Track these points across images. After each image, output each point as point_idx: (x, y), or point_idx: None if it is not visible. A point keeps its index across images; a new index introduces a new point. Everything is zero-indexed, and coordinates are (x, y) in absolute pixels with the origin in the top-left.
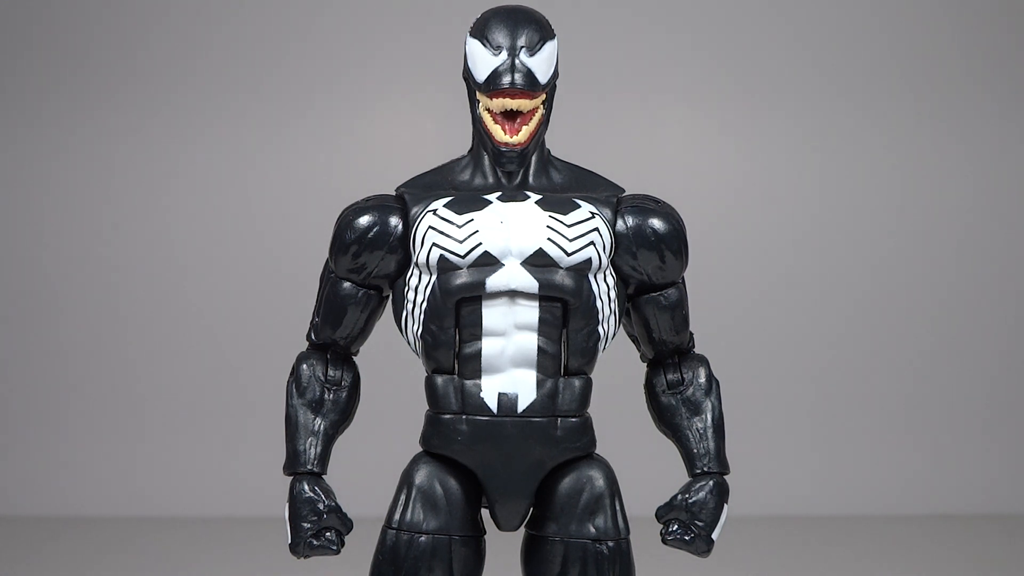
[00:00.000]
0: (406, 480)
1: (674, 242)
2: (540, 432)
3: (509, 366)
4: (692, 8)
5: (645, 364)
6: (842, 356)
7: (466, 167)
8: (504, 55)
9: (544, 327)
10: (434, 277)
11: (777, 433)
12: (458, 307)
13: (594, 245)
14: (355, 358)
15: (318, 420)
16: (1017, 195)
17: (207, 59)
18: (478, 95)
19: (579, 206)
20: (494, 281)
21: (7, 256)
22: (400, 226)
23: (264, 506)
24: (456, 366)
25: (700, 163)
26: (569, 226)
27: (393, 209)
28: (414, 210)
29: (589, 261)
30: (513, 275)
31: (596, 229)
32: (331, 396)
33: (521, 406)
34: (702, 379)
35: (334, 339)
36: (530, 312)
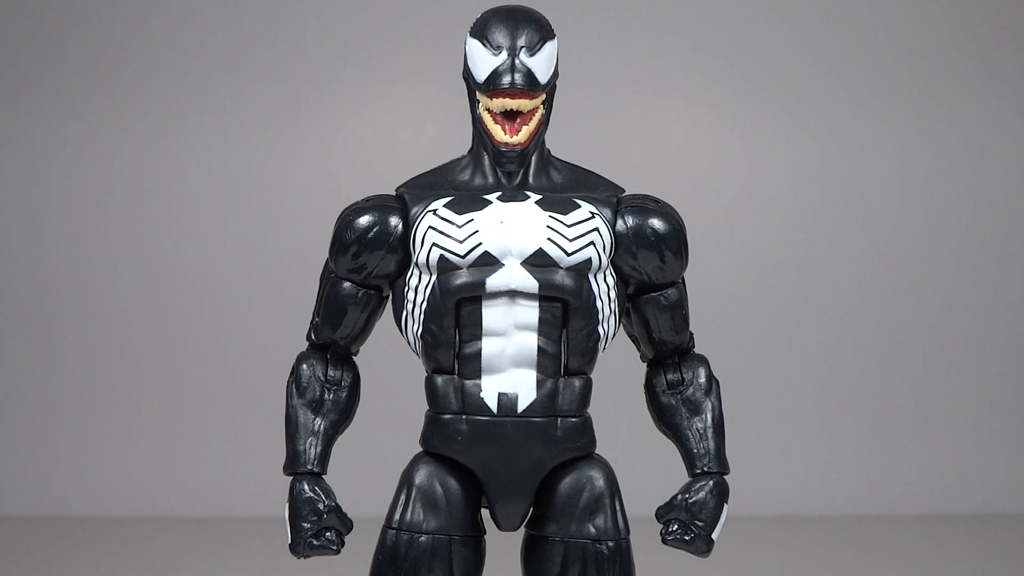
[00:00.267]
0: (406, 480)
1: (674, 242)
2: (540, 432)
3: (509, 366)
4: (692, 7)
5: (645, 364)
6: (842, 356)
7: (466, 167)
8: (504, 55)
9: (544, 327)
10: (434, 277)
11: (777, 433)
12: (458, 307)
13: (594, 245)
14: (355, 358)
15: (318, 420)
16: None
17: (207, 59)
18: (478, 95)
19: (579, 206)
20: (494, 281)
21: (6, 256)
22: (400, 226)
23: (264, 506)
24: (456, 366)
25: (701, 162)
26: (569, 226)
27: (393, 209)
28: (414, 210)
29: (589, 261)
30: (513, 275)
31: (596, 229)
32: (331, 396)
33: (521, 406)
34: (702, 379)
35: (334, 339)
36: (530, 312)
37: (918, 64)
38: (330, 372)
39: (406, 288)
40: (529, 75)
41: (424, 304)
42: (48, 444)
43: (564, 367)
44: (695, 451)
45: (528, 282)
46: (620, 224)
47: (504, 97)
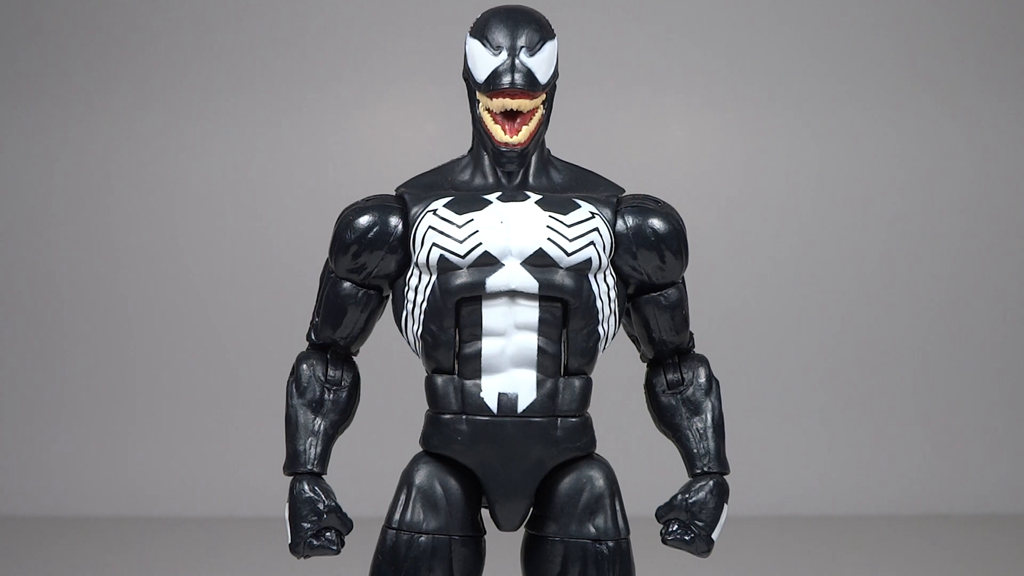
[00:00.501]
0: (406, 480)
1: (674, 242)
2: (540, 432)
3: (509, 366)
4: (692, 6)
5: (645, 364)
6: (842, 356)
7: (466, 167)
8: (504, 55)
9: (544, 327)
10: (434, 277)
11: (777, 433)
12: (458, 307)
13: (594, 245)
14: (355, 358)
15: (318, 420)
16: (1017, 188)
17: (206, 60)
18: (478, 95)
19: (579, 206)
20: (494, 281)
21: (6, 255)
22: (400, 226)
23: (264, 506)
24: (456, 366)
25: (701, 162)
26: (569, 226)
27: (393, 209)
28: (414, 210)
29: (589, 261)
30: (513, 275)
31: (596, 229)
32: (331, 396)
33: (521, 406)
34: (702, 379)
35: (334, 339)
36: (530, 312)
37: (918, 63)
38: (330, 372)
39: (406, 288)
40: (529, 75)
41: (424, 304)
42: (48, 444)
43: (564, 367)
44: (695, 451)
45: (528, 282)
46: (620, 224)
47: (504, 97)
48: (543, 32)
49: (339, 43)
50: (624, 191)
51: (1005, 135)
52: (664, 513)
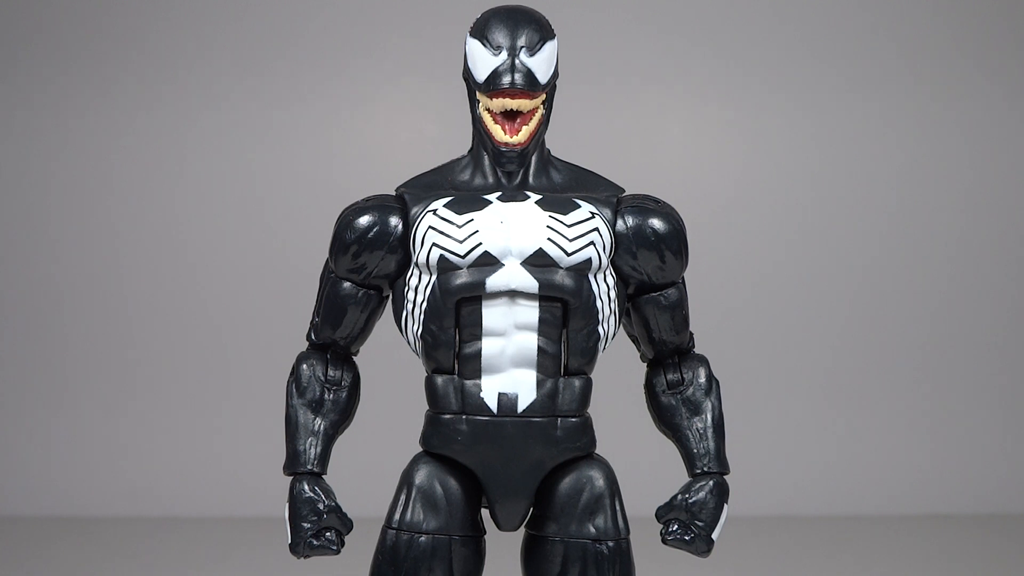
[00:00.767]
0: (406, 480)
1: (674, 242)
2: (540, 432)
3: (509, 366)
4: (692, 6)
5: (645, 364)
6: (842, 356)
7: (466, 167)
8: (504, 55)
9: (544, 327)
10: (434, 277)
11: (777, 433)
12: (458, 307)
13: (594, 245)
14: (355, 358)
15: (318, 420)
16: (1017, 179)
17: (206, 60)
18: (478, 95)
19: (579, 206)
20: (494, 281)
21: (5, 254)
22: (400, 226)
23: (264, 506)
24: (456, 366)
25: (701, 161)
26: (569, 226)
27: (393, 209)
28: (414, 210)
29: (589, 261)
30: (513, 275)
31: (596, 229)
32: (331, 396)
33: (521, 406)
34: (702, 379)
35: (334, 339)
36: (530, 312)
37: (917, 60)
38: (330, 372)
39: (406, 288)
40: (529, 75)
41: (424, 304)
42: (48, 444)
43: (564, 367)
44: (695, 451)
45: (528, 282)
46: (620, 224)
47: (504, 97)
48: (543, 32)
49: (339, 43)
50: (624, 191)
51: (1003, 128)
52: (664, 513)
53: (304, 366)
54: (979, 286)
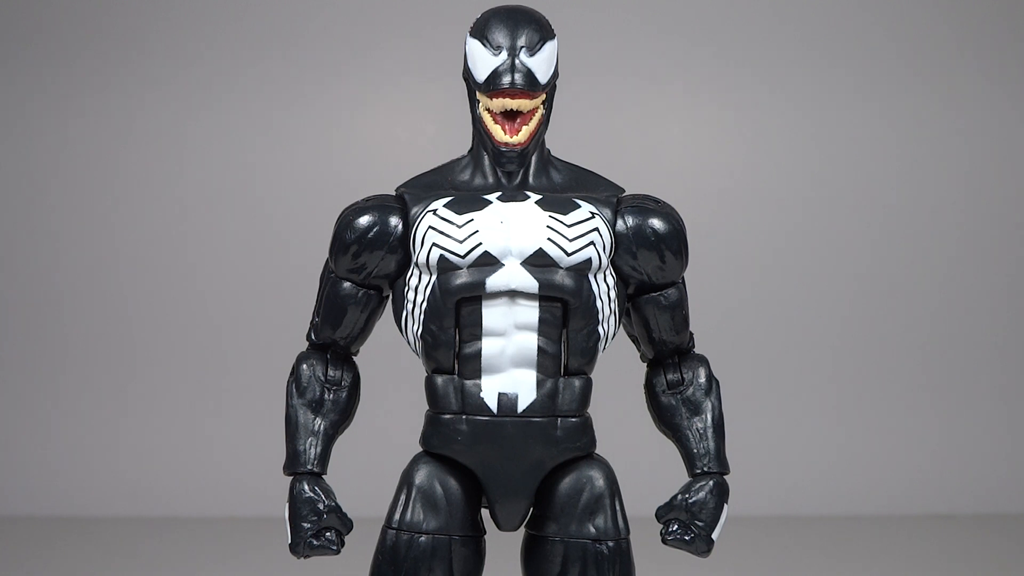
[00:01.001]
0: (406, 480)
1: (674, 242)
2: (540, 432)
3: (509, 366)
4: (691, 5)
5: (645, 364)
6: (842, 356)
7: (466, 167)
8: (504, 55)
9: (544, 327)
10: (434, 277)
11: (777, 433)
12: (458, 307)
13: (594, 245)
14: (355, 358)
15: (318, 420)
16: (1016, 176)
17: (205, 60)
18: (478, 95)
19: (579, 206)
20: (494, 281)
21: (5, 253)
22: (400, 226)
23: (264, 506)
24: (456, 366)
25: (700, 161)
26: (569, 226)
27: (393, 209)
28: (414, 210)
29: (589, 261)
30: (513, 275)
31: (596, 229)
32: (331, 396)
33: (521, 406)
34: (702, 379)
35: (334, 339)
36: (530, 312)
37: (917, 57)
38: (330, 372)
39: (406, 288)
40: (529, 75)
41: (424, 304)
42: (48, 444)
43: (564, 367)
44: (695, 451)
45: (528, 282)
46: (620, 224)
47: (504, 97)
48: (543, 32)
49: (339, 43)
50: (624, 191)
51: (1003, 126)
52: (664, 513)
53: (304, 366)
54: (979, 286)
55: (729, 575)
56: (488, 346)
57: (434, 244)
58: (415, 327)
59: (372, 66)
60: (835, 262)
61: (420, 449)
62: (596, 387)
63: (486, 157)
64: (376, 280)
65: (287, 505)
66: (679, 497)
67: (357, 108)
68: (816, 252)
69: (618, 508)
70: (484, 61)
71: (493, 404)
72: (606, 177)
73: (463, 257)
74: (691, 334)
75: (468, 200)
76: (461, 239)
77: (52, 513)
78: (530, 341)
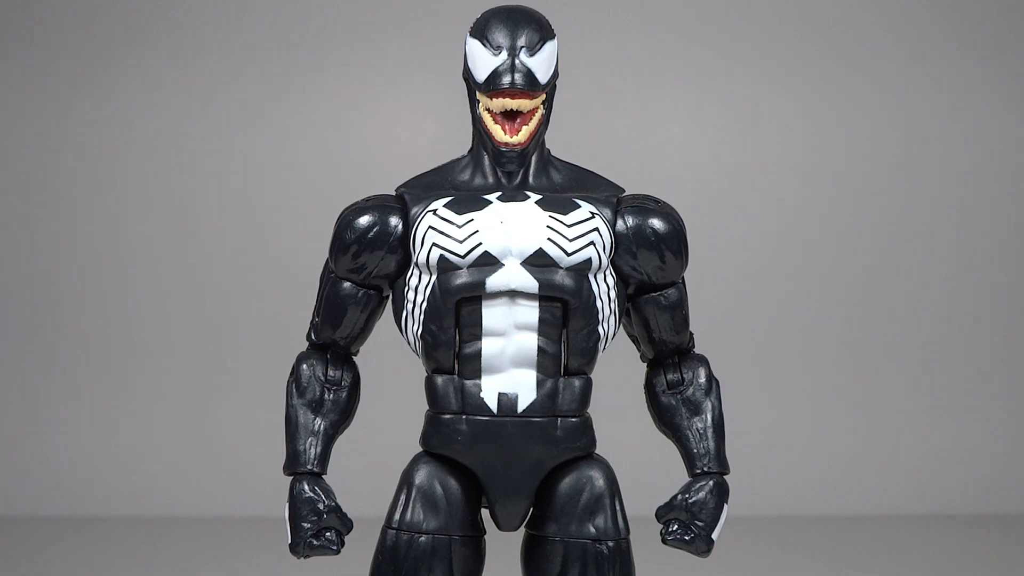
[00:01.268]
0: (406, 480)
1: (674, 242)
2: (540, 432)
3: (509, 366)
4: (691, 5)
5: (645, 364)
6: (842, 356)
7: (466, 167)
8: (504, 55)
9: (544, 327)
10: (434, 277)
11: (777, 433)
12: (458, 307)
13: (594, 245)
14: (355, 358)
15: (318, 420)
16: (1015, 169)
17: (205, 60)
18: (478, 95)
19: (579, 206)
20: (494, 281)
21: (5, 253)
22: (400, 226)
23: (264, 506)
24: (456, 366)
25: (700, 159)
26: (569, 226)
27: (393, 209)
28: (414, 210)
29: (589, 261)
30: (513, 275)
31: (596, 229)
32: (331, 396)
33: (521, 406)
34: (702, 379)
35: (334, 339)
36: (530, 312)
37: (918, 57)
38: (330, 372)
39: (406, 288)
40: (529, 75)
41: (424, 304)
42: (48, 444)
43: (564, 367)
44: (695, 451)
45: (528, 282)
46: (620, 224)
47: (504, 97)
48: (543, 32)
49: (339, 43)
50: (624, 191)
51: (1003, 119)
52: (664, 513)
53: (304, 366)
54: (979, 286)
55: (729, 575)
56: (488, 346)
57: (434, 244)
58: (415, 327)
59: (372, 66)
60: (836, 262)
61: (420, 449)
62: (596, 387)
63: (486, 157)
64: (376, 280)
65: (287, 505)
66: (679, 497)
67: (357, 108)
68: (817, 252)
69: (618, 508)
70: (484, 61)
71: (493, 404)
72: (606, 177)
73: (463, 257)
74: (691, 334)
75: (468, 200)
76: (461, 239)
77: (52, 513)
78: (530, 341)
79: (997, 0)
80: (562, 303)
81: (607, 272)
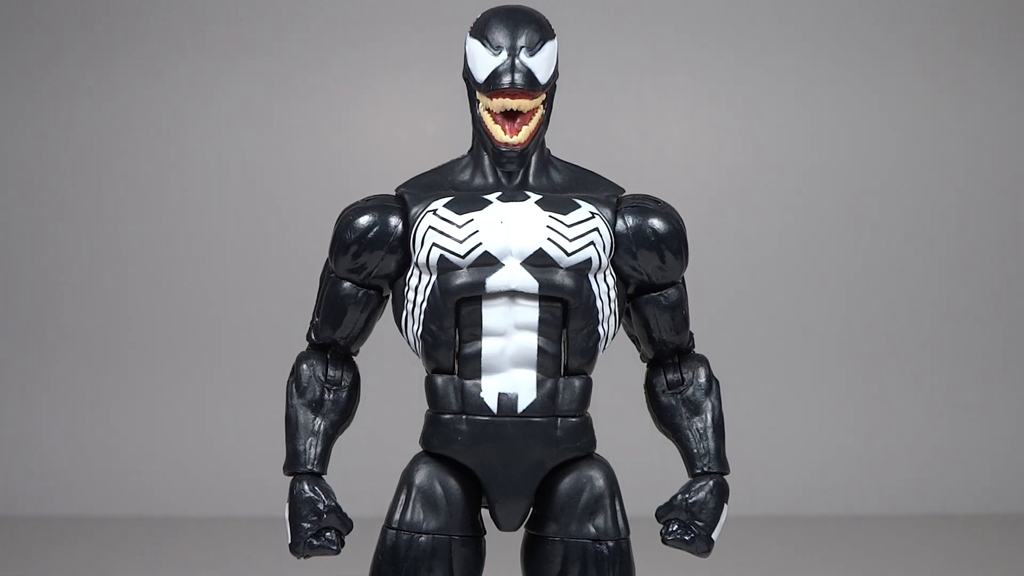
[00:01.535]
0: (406, 480)
1: (674, 242)
2: (540, 432)
3: (509, 366)
4: (690, 3)
5: (645, 364)
6: (842, 355)
7: (466, 167)
8: (504, 55)
9: (544, 327)
10: (434, 277)
11: (777, 433)
12: (458, 307)
13: (594, 245)
14: (355, 358)
15: (318, 420)
16: (1015, 169)
17: (204, 60)
18: (478, 95)
19: (579, 206)
20: (494, 281)
21: (5, 252)
22: (400, 226)
23: (264, 506)
24: (456, 366)
25: (700, 157)
26: (569, 226)
27: (393, 209)
28: (414, 210)
29: (589, 261)
30: (513, 275)
31: (596, 229)
32: (331, 396)
33: (521, 406)
34: (702, 379)
35: (334, 339)
36: (530, 312)
37: (918, 54)
38: (330, 372)
39: (406, 288)
40: (529, 75)
41: (424, 304)
42: (48, 444)
43: (564, 367)
44: (695, 451)
45: (528, 282)
46: (620, 224)
47: (504, 97)
48: (543, 32)
49: (339, 42)
50: (624, 191)
51: (1003, 118)
52: (664, 513)
53: (304, 366)
54: (979, 286)
55: (729, 575)
56: (488, 346)
57: (434, 244)
58: (415, 327)
59: (372, 65)
60: (835, 263)
61: (420, 449)
62: (596, 387)
63: (486, 157)
64: (376, 280)
65: (287, 505)
66: (679, 497)
67: (357, 108)
68: (816, 253)
69: (618, 508)
70: (484, 61)
71: (493, 404)
72: (606, 177)
73: (463, 257)
74: (691, 334)
75: (468, 200)
76: (461, 239)
77: (52, 513)
78: (530, 341)
79: (997, 0)
80: (562, 303)
81: (607, 272)
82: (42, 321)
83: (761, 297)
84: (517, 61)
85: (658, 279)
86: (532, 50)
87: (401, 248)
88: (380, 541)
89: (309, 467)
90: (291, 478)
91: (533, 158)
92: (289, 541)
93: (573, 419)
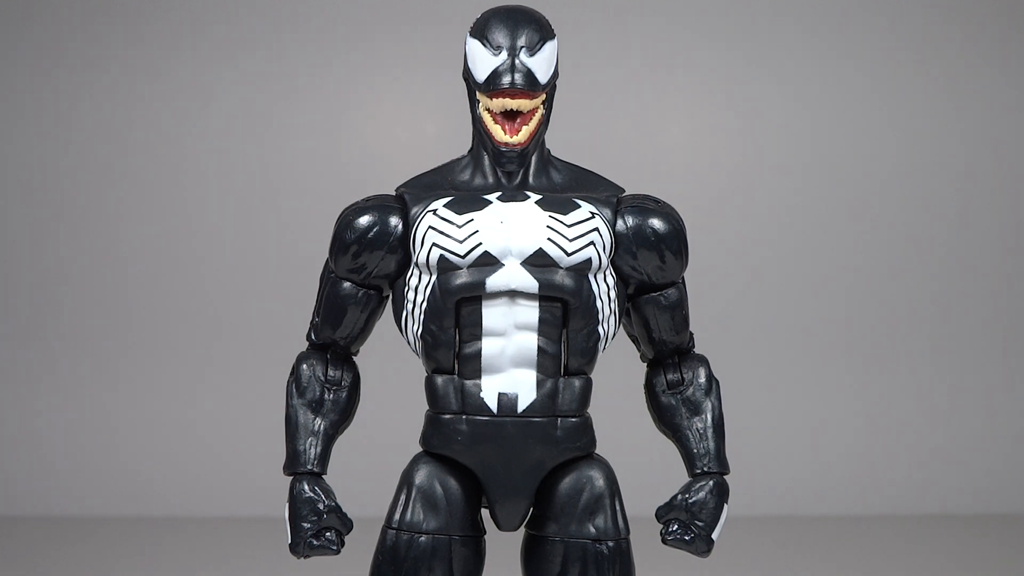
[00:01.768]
0: (406, 480)
1: (674, 242)
2: (540, 432)
3: (509, 366)
4: (691, 4)
5: (645, 364)
6: (842, 355)
7: (466, 167)
8: (504, 55)
9: (544, 327)
10: (434, 277)
11: (777, 433)
12: (458, 307)
13: (594, 245)
14: (355, 358)
15: (318, 420)
16: (1015, 169)
17: (204, 59)
18: (478, 95)
19: (579, 206)
20: (494, 281)
21: (5, 251)
22: (400, 226)
23: (264, 506)
24: (456, 366)
25: (700, 157)
26: (569, 226)
27: (393, 209)
28: (414, 210)
29: (589, 261)
30: (513, 275)
31: (596, 229)
32: (331, 396)
33: (521, 406)
34: (702, 379)
35: (334, 339)
36: (530, 312)
37: (920, 54)
38: (330, 372)
39: (406, 288)
40: (529, 75)
41: (424, 304)
42: (48, 444)
43: (564, 367)
44: (695, 451)
45: (528, 282)
46: (620, 224)
47: (504, 97)
48: (543, 32)
49: (339, 42)
50: (624, 191)
51: (1005, 117)
52: (664, 513)
53: (304, 366)
54: (979, 286)
55: (729, 575)
56: (488, 346)
57: (434, 244)
58: (415, 327)
59: (373, 66)
60: (836, 263)
61: (420, 449)
62: (596, 387)
63: (486, 157)
64: (376, 280)
65: (287, 505)
66: (679, 497)
67: (357, 108)
68: (817, 253)
69: (618, 508)
70: (484, 61)
71: (493, 404)
72: (606, 177)
73: (463, 257)
74: (691, 334)
75: (468, 200)
76: (461, 239)
77: (52, 513)
78: (530, 341)
79: (997, 0)
80: (562, 303)
81: (607, 272)
82: (42, 321)
83: (761, 297)
84: (517, 61)
85: (658, 279)
86: (532, 50)
87: (401, 248)
88: (380, 541)
89: (309, 467)
90: (291, 478)
91: (533, 158)
92: (289, 541)
93: (573, 419)
